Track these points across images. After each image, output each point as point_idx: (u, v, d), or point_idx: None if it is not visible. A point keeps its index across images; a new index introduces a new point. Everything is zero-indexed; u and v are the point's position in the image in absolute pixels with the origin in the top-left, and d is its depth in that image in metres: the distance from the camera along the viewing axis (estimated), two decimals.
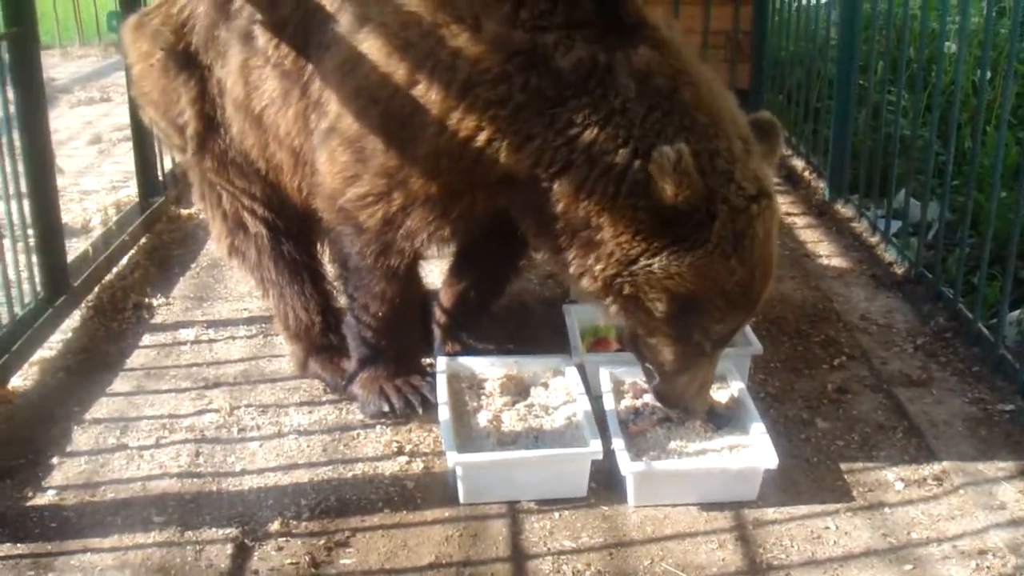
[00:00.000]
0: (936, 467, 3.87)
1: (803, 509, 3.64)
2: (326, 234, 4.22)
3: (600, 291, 3.59)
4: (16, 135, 4.63)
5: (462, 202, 3.75)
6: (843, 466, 3.88)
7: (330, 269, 4.50)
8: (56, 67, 11.01)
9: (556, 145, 3.48)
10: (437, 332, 4.58)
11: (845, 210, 6.32)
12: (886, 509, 3.65)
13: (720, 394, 4.04)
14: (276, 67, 4.01)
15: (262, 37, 4.05)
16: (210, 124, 4.30)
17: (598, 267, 3.52)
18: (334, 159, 3.80)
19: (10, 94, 4.59)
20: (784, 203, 6.57)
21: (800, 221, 6.30)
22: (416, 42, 3.59)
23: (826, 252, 5.82)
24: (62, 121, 8.87)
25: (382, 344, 4.17)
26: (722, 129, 3.45)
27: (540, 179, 3.53)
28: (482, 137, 3.53)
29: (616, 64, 3.45)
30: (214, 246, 4.90)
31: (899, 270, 5.45)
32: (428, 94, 3.57)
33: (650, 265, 3.43)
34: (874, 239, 5.85)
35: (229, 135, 4.27)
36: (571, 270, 3.63)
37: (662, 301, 3.49)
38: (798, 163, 7.17)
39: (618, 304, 3.60)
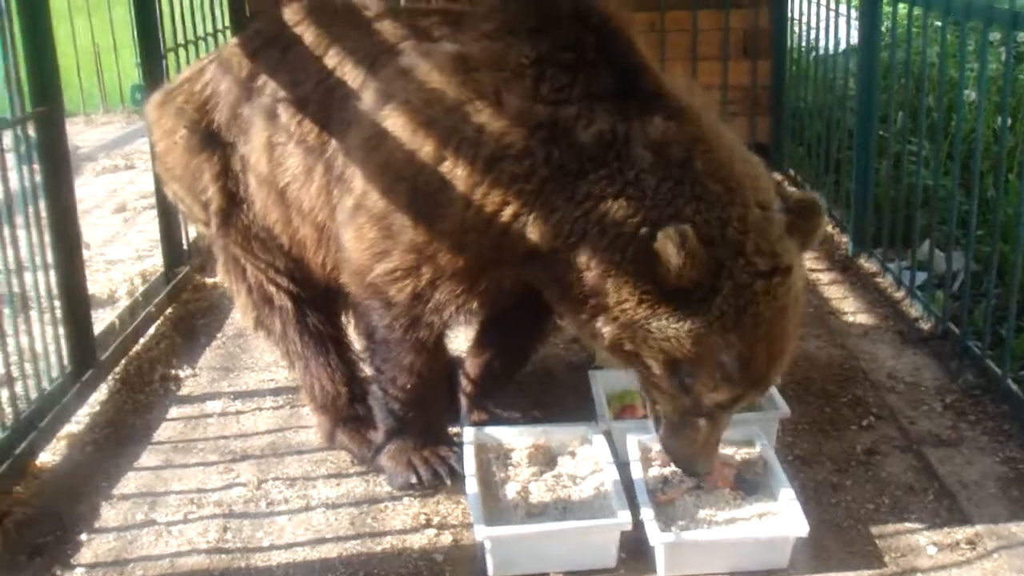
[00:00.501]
0: (969, 530, 3.83)
1: None
2: (353, 307, 4.24)
3: (606, 350, 3.64)
4: (42, 206, 4.66)
5: (489, 275, 3.77)
6: (874, 530, 3.84)
7: (355, 340, 4.52)
8: (80, 134, 11.10)
9: (574, 217, 3.50)
10: (463, 401, 4.58)
11: (869, 264, 6.30)
12: (919, 575, 3.62)
13: (749, 458, 4.01)
14: (299, 143, 4.06)
15: (285, 114, 4.11)
16: (233, 200, 4.34)
17: (604, 329, 3.54)
18: (362, 236, 3.83)
19: (35, 165, 4.63)
20: (808, 259, 6.46)
21: (824, 277, 6.28)
22: (440, 118, 3.63)
23: (851, 309, 5.79)
24: (87, 190, 8.93)
25: (409, 416, 4.17)
26: (738, 196, 3.42)
27: (559, 250, 3.55)
28: (508, 212, 3.56)
29: (632, 135, 3.47)
30: (240, 318, 4.92)
31: (925, 325, 5.43)
32: (454, 170, 3.60)
33: (648, 326, 3.43)
34: (899, 294, 5.83)
35: (252, 211, 4.31)
36: (583, 333, 3.69)
37: (657, 361, 3.49)
38: None
39: (619, 358, 3.63)
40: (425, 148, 3.65)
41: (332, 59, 4.10)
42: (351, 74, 4.03)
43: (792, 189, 3.58)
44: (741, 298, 3.36)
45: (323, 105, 4.05)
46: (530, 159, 3.52)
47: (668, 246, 3.23)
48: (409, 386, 4.09)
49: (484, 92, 3.59)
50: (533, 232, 3.56)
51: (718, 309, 3.35)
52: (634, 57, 3.64)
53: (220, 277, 4.76)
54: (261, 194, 4.23)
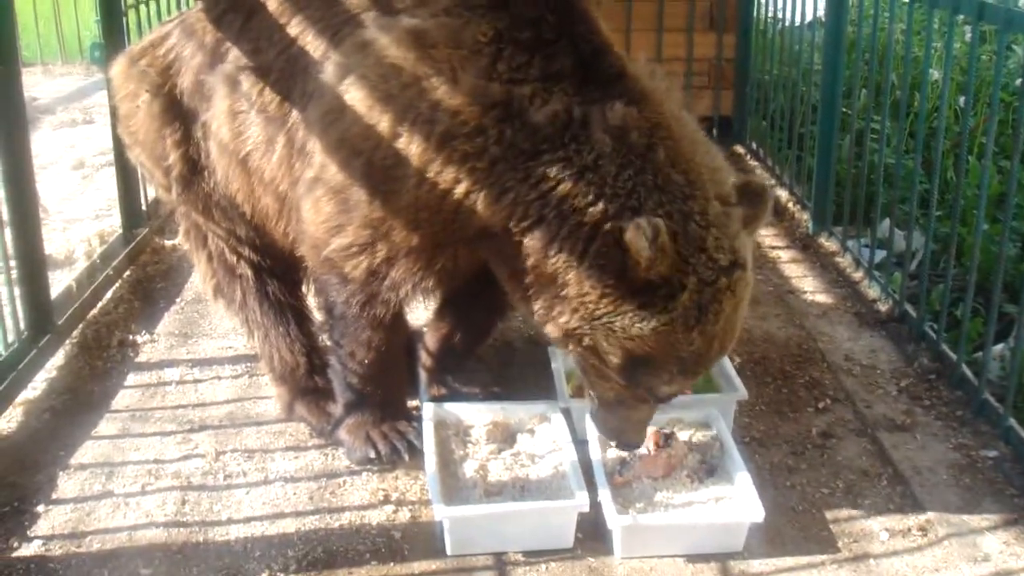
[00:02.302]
0: (921, 517, 3.89)
1: (789, 561, 3.67)
2: (312, 280, 4.22)
3: (560, 339, 3.59)
4: None
5: (445, 254, 3.75)
6: (828, 515, 3.90)
7: (316, 312, 4.50)
8: (38, 85, 10.93)
9: (529, 199, 3.45)
10: (422, 375, 4.59)
11: (829, 243, 6.33)
12: (871, 561, 3.68)
13: (705, 442, 4.05)
14: (261, 113, 4.02)
15: (247, 82, 4.06)
16: (195, 167, 4.31)
17: (562, 319, 3.50)
18: (319, 209, 3.81)
19: None
20: (768, 236, 6.59)
21: (784, 255, 6.32)
22: (396, 94, 3.60)
23: (810, 288, 5.84)
24: (44, 144, 8.81)
25: (368, 390, 4.17)
26: (698, 189, 3.39)
27: (513, 232, 3.51)
28: (460, 190, 3.52)
29: (592, 118, 3.43)
30: (200, 285, 4.89)
31: (883, 307, 5.48)
32: (408, 146, 3.56)
33: (611, 323, 3.40)
34: (858, 274, 5.87)
35: (214, 179, 4.27)
36: (536, 318, 3.62)
37: (617, 356, 3.46)
38: (782, 193, 7.19)
39: (575, 350, 3.59)
40: (381, 124, 3.61)
41: (294, 28, 4.04)
42: (312, 44, 3.98)
43: (742, 175, 3.53)
44: (704, 294, 3.35)
45: (285, 75, 4.01)
46: (482, 137, 3.47)
47: (640, 238, 3.19)
48: (367, 361, 4.08)
49: (441, 69, 3.54)
50: (485, 211, 3.51)
51: (683, 306, 3.34)
52: (596, 37, 3.58)
53: (181, 242, 4.73)
54: (223, 162, 4.19)
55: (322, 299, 4.10)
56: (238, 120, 4.08)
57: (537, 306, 3.57)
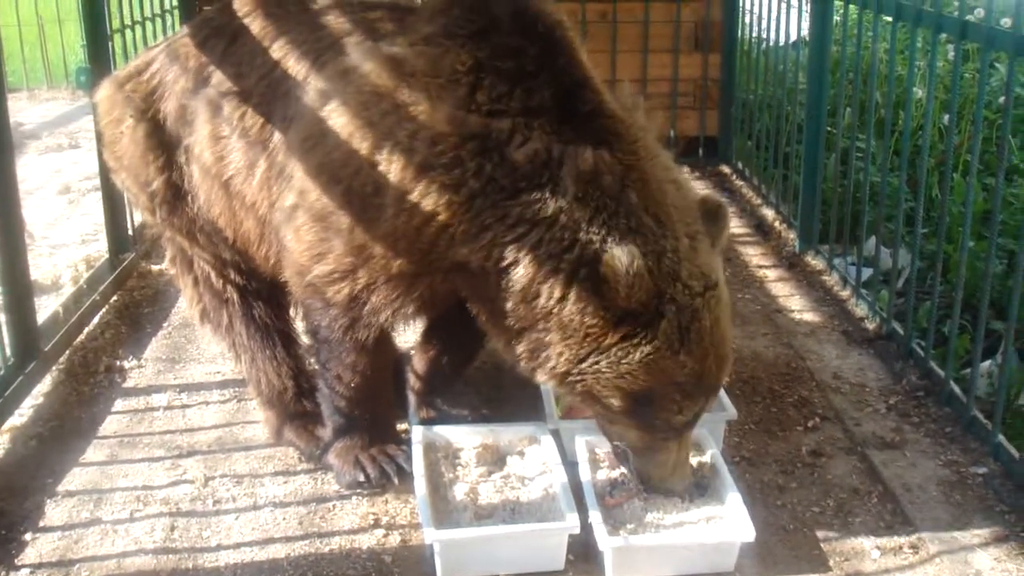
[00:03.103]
0: (912, 534, 3.89)
1: None
2: (296, 303, 4.21)
3: (556, 386, 3.61)
4: None
5: (422, 284, 3.74)
6: (819, 534, 3.89)
7: (304, 335, 4.49)
8: (23, 111, 10.93)
9: (506, 241, 3.45)
10: (411, 398, 4.57)
11: (816, 262, 6.35)
12: None
13: (695, 462, 4.04)
14: (242, 137, 4.04)
15: (228, 106, 4.08)
16: (178, 191, 4.32)
17: (548, 365, 3.51)
18: (300, 236, 3.81)
19: None
20: (755, 255, 6.61)
21: (771, 274, 6.33)
22: (377, 121, 3.60)
23: (798, 307, 5.84)
24: (30, 169, 8.81)
25: (356, 413, 4.16)
26: (669, 228, 3.42)
27: (489, 272, 3.51)
28: (438, 222, 3.51)
29: (567, 160, 3.42)
30: (186, 310, 4.88)
31: (870, 325, 5.49)
32: (387, 174, 3.56)
33: (598, 363, 3.42)
34: (845, 292, 5.88)
35: (197, 203, 4.28)
36: (521, 363, 3.62)
37: (616, 398, 3.49)
38: (768, 212, 7.22)
39: (576, 397, 3.61)
40: (361, 150, 3.61)
41: (276, 52, 4.06)
42: (294, 69, 3.99)
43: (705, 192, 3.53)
44: (683, 318, 3.37)
45: (266, 99, 4.02)
46: (460, 169, 3.45)
47: (616, 265, 3.22)
48: (353, 384, 4.07)
49: (418, 98, 3.54)
50: (463, 247, 3.51)
51: (664, 333, 3.36)
52: (576, 71, 3.58)
53: (167, 267, 4.72)
54: (205, 186, 4.20)
55: (307, 322, 4.10)
56: (220, 144, 4.09)
57: (520, 350, 3.57)
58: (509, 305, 3.49)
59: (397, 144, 3.54)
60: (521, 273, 3.43)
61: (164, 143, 4.29)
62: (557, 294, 3.39)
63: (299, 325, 4.49)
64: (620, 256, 3.22)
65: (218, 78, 4.16)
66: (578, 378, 3.48)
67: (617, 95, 3.68)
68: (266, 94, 4.03)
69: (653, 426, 3.58)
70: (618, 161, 3.45)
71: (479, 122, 3.47)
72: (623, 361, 3.39)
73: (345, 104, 3.68)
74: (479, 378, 4.91)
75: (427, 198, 3.49)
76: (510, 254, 3.44)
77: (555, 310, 3.41)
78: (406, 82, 3.58)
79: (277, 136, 3.96)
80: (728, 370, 3.68)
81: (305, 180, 3.78)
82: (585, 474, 3.91)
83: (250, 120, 4.04)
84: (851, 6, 5.92)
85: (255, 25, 4.17)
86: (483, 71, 3.54)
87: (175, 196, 4.33)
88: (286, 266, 3.99)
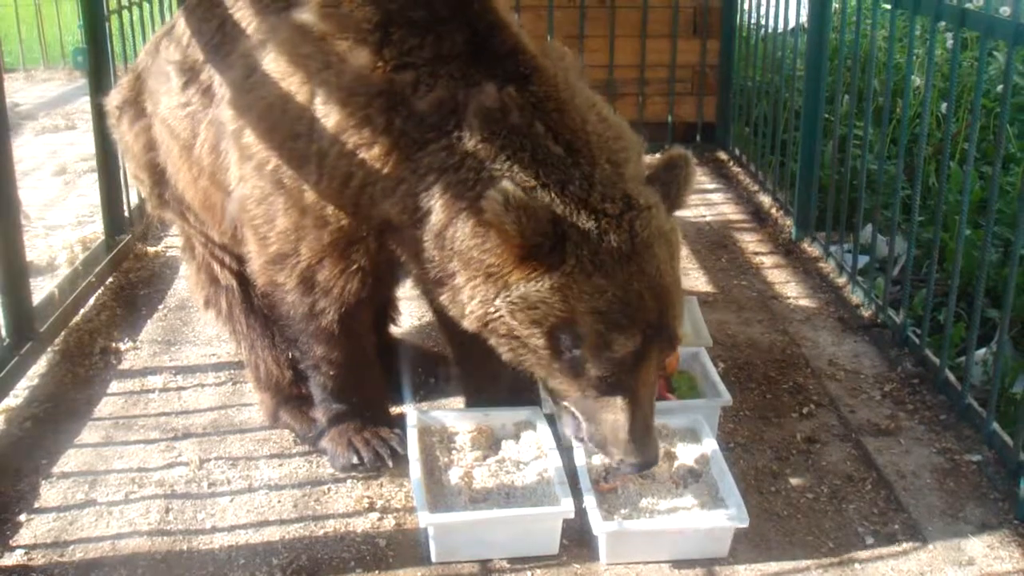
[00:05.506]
0: (905, 521, 3.90)
1: (774, 566, 3.66)
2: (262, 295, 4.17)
3: (483, 333, 3.53)
4: None
5: (358, 250, 3.71)
6: (813, 520, 3.90)
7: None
8: (20, 91, 10.89)
9: (418, 191, 3.45)
10: (406, 382, 4.57)
11: (812, 249, 6.35)
12: (856, 565, 3.68)
13: (690, 448, 4.05)
14: (185, 107, 4.06)
15: (176, 80, 4.10)
16: (163, 174, 4.33)
17: (468, 309, 3.47)
18: (252, 226, 3.85)
19: None
20: (751, 242, 6.62)
21: (767, 261, 6.33)
22: (295, 91, 3.61)
23: (794, 294, 5.84)
24: (26, 150, 8.79)
25: (344, 398, 4.17)
26: (584, 155, 3.35)
27: (411, 226, 3.51)
28: (355, 183, 3.53)
29: (471, 101, 3.40)
30: (188, 293, 4.87)
31: (866, 312, 5.49)
32: (309, 146, 3.58)
33: (510, 297, 3.34)
34: (841, 280, 5.89)
35: (177, 189, 4.29)
36: (451, 313, 3.60)
37: (536, 336, 3.38)
38: (765, 199, 7.22)
39: (503, 346, 3.51)
40: (282, 127, 3.63)
41: (214, 27, 4.04)
42: (209, 61, 4.01)
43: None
44: (591, 238, 3.27)
45: (207, 71, 4.04)
46: (369, 128, 3.45)
47: (495, 208, 3.17)
48: (332, 372, 4.08)
49: (329, 62, 3.54)
50: (382, 203, 3.52)
51: (572, 255, 3.27)
52: (490, 15, 3.54)
53: (181, 254, 4.75)
54: (170, 160, 4.24)
55: (276, 318, 4.10)
56: (172, 117, 4.11)
57: (444, 298, 3.56)
58: (426, 255, 3.49)
59: (314, 114, 3.55)
60: (433, 220, 3.43)
61: (147, 126, 4.33)
62: (460, 235, 3.37)
63: None
64: (495, 196, 3.16)
65: (169, 52, 4.17)
66: (496, 317, 3.40)
67: (545, 48, 3.66)
68: (202, 68, 4.04)
69: (585, 371, 3.41)
70: (531, 95, 3.41)
71: (383, 78, 3.46)
72: (535, 290, 3.30)
73: (264, 83, 3.69)
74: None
75: (342, 160, 3.51)
76: (424, 203, 3.44)
77: (462, 251, 3.38)
78: (316, 46, 3.58)
79: (212, 111, 3.96)
80: (675, 309, 3.44)
81: (240, 169, 3.80)
82: (580, 459, 3.91)
83: (186, 119, 4.06)
84: None
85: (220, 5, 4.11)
86: (392, 24, 3.51)
87: (159, 181, 4.38)
88: (250, 261, 4.00)
